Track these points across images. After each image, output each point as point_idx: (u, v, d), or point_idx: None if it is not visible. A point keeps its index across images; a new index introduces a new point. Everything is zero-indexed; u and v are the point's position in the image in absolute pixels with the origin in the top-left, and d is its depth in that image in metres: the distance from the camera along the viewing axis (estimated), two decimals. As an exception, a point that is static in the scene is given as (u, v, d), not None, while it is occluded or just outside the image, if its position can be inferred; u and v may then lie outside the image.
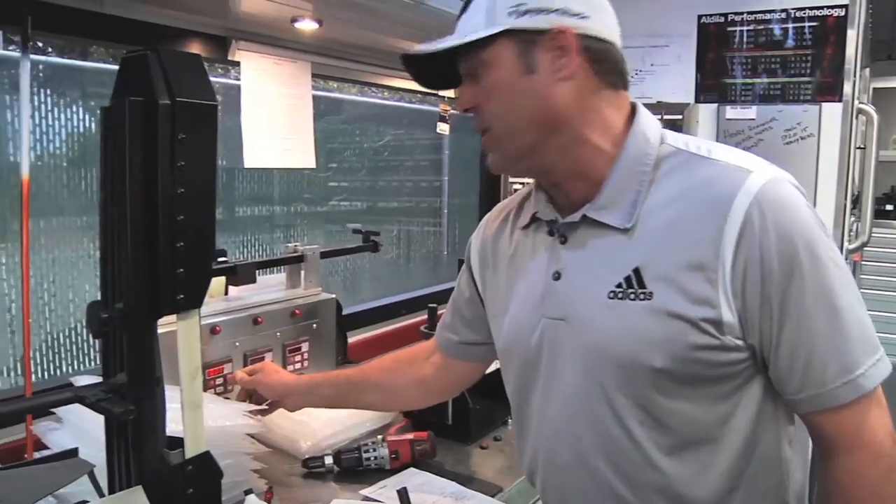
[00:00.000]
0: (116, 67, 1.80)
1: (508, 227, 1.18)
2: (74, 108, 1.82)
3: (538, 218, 1.09)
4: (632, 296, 0.94)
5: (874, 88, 5.48)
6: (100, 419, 0.98)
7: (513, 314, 1.10)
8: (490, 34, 0.95)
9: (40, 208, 1.68)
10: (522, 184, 3.22)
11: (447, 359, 1.38)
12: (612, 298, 0.96)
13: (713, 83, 2.64)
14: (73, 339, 1.85)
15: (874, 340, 0.93)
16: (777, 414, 0.99)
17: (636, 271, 0.94)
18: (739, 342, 0.92)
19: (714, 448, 0.95)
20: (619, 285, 0.95)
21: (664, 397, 0.94)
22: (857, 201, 3.13)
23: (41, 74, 1.72)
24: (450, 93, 2.94)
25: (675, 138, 1.02)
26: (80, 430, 1.24)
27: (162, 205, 0.82)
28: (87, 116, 1.85)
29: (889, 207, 5.60)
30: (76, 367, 1.87)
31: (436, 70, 1.06)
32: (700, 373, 0.93)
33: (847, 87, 2.47)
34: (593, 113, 0.99)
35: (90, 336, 1.86)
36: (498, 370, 1.75)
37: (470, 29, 0.97)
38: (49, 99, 1.75)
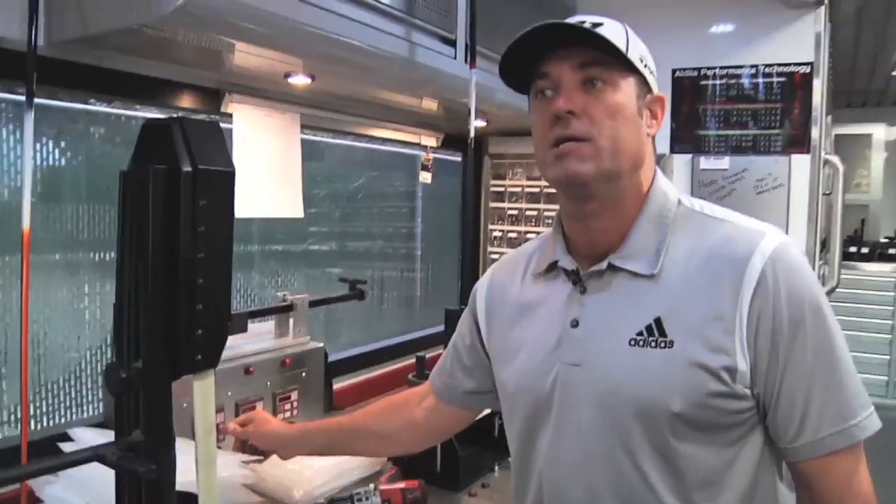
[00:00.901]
0: (83, 106, 1.82)
1: (519, 276, 1.23)
2: (45, 143, 1.82)
3: (557, 267, 1.14)
4: (652, 343, 1.00)
5: (835, 135, 5.68)
6: (99, 473, 0.99)
7: (525, 359, 1.14)
8: (633, 63, 1.03)
9: (11, 245, 1.64)
10: (503, 231, 3.28)
11: (440, 403, 1.40)
12: (633, 345, 1.02)
13: (688, 134, 2.74)
14: (54, 391, 1.83)
15: (867, 396, 1.01)
16: (773, 464, 1.06)
17: (657, 321, 1.01)
18: (747, 391, 0.99)
19: (719, 491, 1.01)
20: (640, 333, 1.02)
21: (678, 441, 0.99)
22: (824, 246, 3.25)
23: (10, 113, 1.72)
24: (432, 142, 3.01)
25: (689, 200, 1.12)
26: (80, 483, 1.25)
27: (183, 268, 0.85)
28: (57, 152, 1.85)
29: (853, 249, 5.77)
30: (52, 416, 1.84)
31: (522, 64, 1.06)
32: (713, 419, 0.99)
33: (815, 134, 2.58)
34: (649, 170, 1.10)
35: (70, 385, 1.85)
36: (485, 417, 1.78)
37: (618, 44, 1.01)
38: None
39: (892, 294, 5.76)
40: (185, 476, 0.97)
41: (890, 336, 5.76)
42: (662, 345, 1.00)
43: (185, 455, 0.96)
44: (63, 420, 1.82)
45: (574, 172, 1.02)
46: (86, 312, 1.88)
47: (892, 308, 5.76)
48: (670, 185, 1.13)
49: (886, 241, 6.32)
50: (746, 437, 1.02)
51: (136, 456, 0.85)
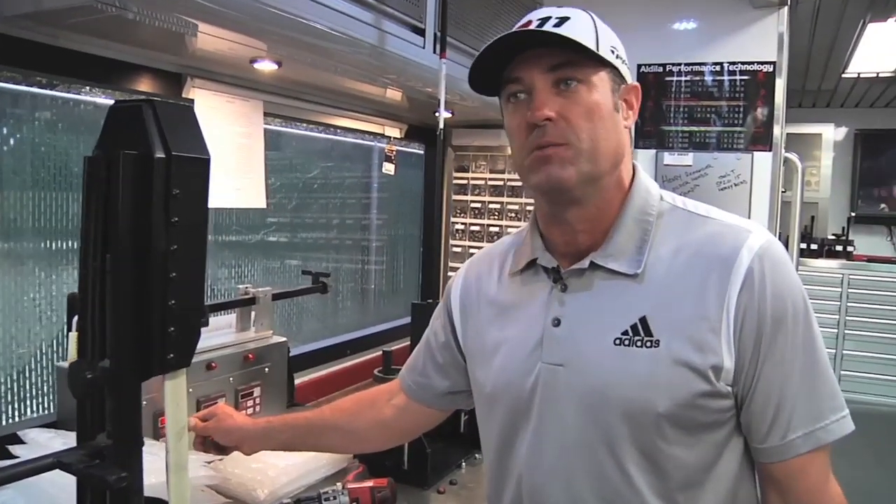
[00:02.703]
0: (26, 88, 1.72)
1: (496, 274, 1.19)
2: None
3: (536, 264, 1.11)
4: (638, 343, 0.98)
5: (787, 133, 5.80)
6: (51, 476, 0.93)
7: (504, 359, 1.11)
8: (605, 58, 1.00)
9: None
10: (465, 224, 3.26)
11: (410, 402, 1.36)
12: (618, 345, 0.99)
13: (652, 129, 2.75)
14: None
15: (841, 399, 1.00)
16: (748, 470, 1.05)
17: (643, 320, 0.99)
18: (729, 388, 0.97)
19: (702, 491, 0.99)
20: (625, 332, 0.99)
21: (664, 442, 0.97)
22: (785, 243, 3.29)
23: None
24: (395, 132, 2.97)
25: (672, 197, 1.09)
26: (31, 487, 1.18)
27: (155, 262, 0.79)
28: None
29: (803, 246, 5.91)
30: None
31: (491, 70, 1.03)
32: (699, 418, 0.97)
33: (776, 132, 2.62)
34: (628, 164, 1.07)
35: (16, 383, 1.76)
36: (451, 413, 1.76)
37: (581, 40, 0.97)
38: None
39: (838, 290, 5.93)
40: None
41: (836, 330, 5.94)
42: (648, 344, 0.98)
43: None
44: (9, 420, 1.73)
45: (557, 178, 0.99)
46: (34, 306, 1.78)
47: (838, 303, 5.93)
48: (652, 181, 1.10)
49: (834, 237, 6.49)
50: (730, 437, 1.01)
51: (103, 462, 0.79)
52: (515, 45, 0.99)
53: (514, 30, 1.00)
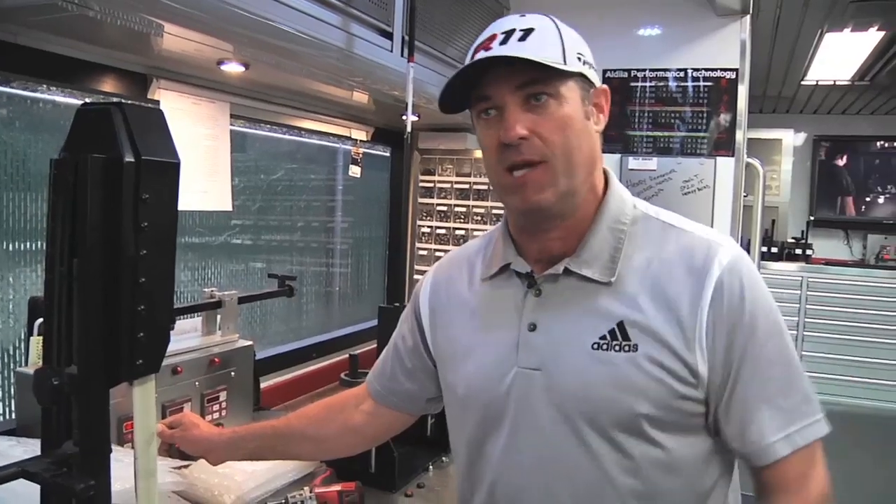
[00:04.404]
0: None
1: (465, 278, 1.20)
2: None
3: (509, 269, 1.11)
4: (616, 347, 1.00)
5: (748, 139, 5.91)
6: (15, 487, 0.91)
7: (477, 363, 1.11)
8: (573, 70, 1.00)
9: None
10: (431, 227, 3.26)
11: (379, 406, 1.36)
12: (596, 349, 1.01)
13: (617, 134, 2.78)
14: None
15: (816, 404, 1.02)
16: (723, 472, 1.07)
17: (620, 325, 1.00)
18: (703, 394, 1.00)
19: (677, 491, 1.02)
20: (603, 337, 1.01)
21: (642, 443, 0.99)
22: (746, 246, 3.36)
23: None
24: (362, 135, 2.95)
25: (644, 205, 1.10)
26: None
27: (124, 267, 0.78)
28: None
29: (764, 249, 6.01)
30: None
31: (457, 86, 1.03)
32: (676, 420, 1.00)
33: (738, 138, 2.66)
34: (601, 167, 1.08)
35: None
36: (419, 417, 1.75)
37: (547, 57, 0.97)
38: None
39: (797, 292, 6.05)
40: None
41: (795, 332, 6.06)
42: (626, 349, 0.99)
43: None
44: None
45: (535, 202, 1.00)
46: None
47: (797, 305, 6.05)
48: (623, 188, 1.12)
49: (793, 241, 6.63)
50: (706, 437, 1.03)
51: (70, 471, 0.78)
52: (483, 61, 0.99)
53: (479, 42, 1.02)
